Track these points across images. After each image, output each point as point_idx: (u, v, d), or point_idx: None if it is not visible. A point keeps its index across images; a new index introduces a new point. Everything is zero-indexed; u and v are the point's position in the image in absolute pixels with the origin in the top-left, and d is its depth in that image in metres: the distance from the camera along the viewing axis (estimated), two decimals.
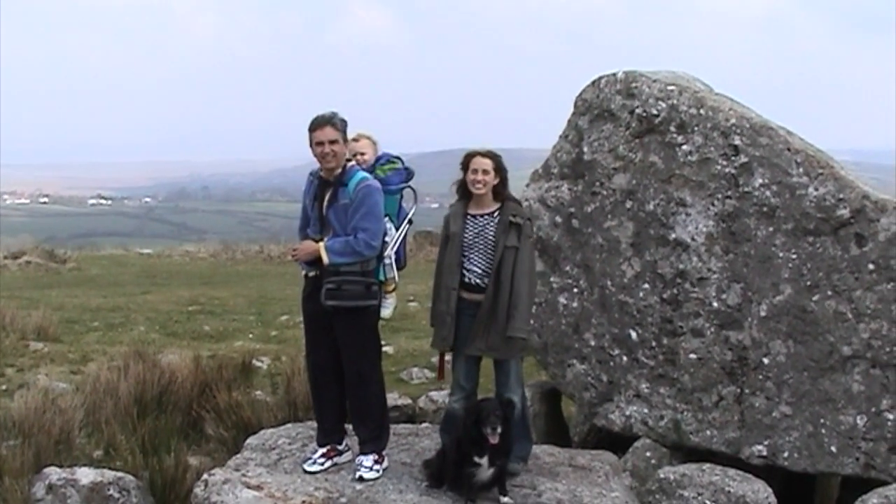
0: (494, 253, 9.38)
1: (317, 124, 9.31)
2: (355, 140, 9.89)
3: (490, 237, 9.44)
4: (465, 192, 9.67)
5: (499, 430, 8.74)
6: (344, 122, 9.39)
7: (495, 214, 9.51)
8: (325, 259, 9.26)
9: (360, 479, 9.42)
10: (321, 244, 9.32)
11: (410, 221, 10.12)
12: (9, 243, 41.86)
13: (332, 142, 9.26)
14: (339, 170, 9.42)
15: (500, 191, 9.58)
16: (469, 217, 9.58)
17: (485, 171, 9.48)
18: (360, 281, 9.34)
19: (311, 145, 9.38)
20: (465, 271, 9.51)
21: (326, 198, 9.46)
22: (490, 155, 9.56)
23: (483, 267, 9.45)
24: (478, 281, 9.46)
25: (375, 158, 10.06)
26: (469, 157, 9.60)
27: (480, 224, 9.51)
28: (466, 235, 9.53)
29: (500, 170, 9.53)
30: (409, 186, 10.16)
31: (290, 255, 10.00)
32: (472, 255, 9.50)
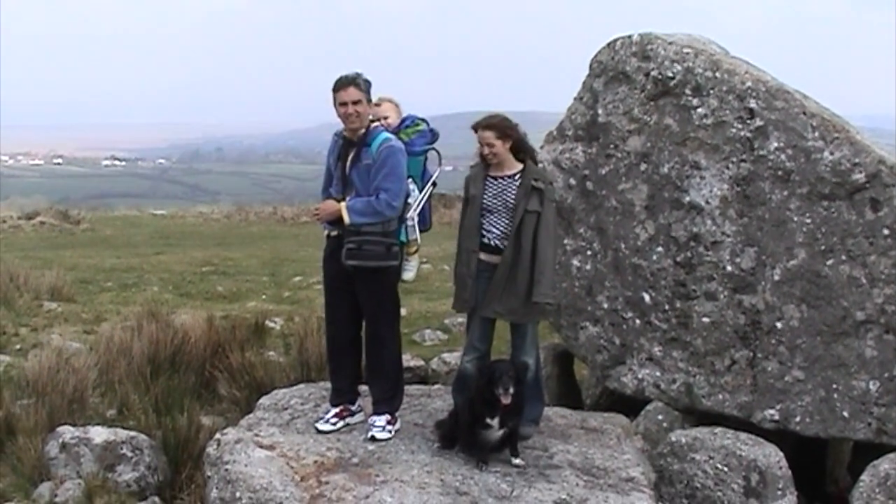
0: (514, 216, 9.36)
1: (340, 85, 9.33)
2: (377, 104, 9.88)
3: (510, 200, 9.41)
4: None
5: (511, 391, 8.75)
6: (368, 83, 9.40)
7: (516, 177, 9.47)
8: (346, 219, 9.26)
9: (373, 439, 9.47)
10: (342, 204, 9.33)
11: (434, 184, 10.12)
12: (23, 204, 41.98)
13: (356, 102, 9.27)
14: (363, 130, 9.43)
15: (518, 152, 9.54)
16: (489, 179, 9.55)
17: (489, 145, 9.43)
18: (381, 241, 9.35)
19: (334, 105, 9.39)
20: (484, 233, 9.50)
21: (350, 158, 9.49)
22: (489, 125, 9.46)
23: (502, 229, 9.43)
24: (497, 243, 9.45)
25: (400, 121, 10.06)
26: (475, 130, 9.57)
27: (501, 186, 9.48)
28: (486, 197, 9.50)
29: (505, 136, 9.46)
30: (434, 148, 10.17)
31: (311, 215, 10.01)
32: (491, 218, 9.48)
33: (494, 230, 9.47)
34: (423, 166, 10.03)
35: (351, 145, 9.48)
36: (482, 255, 9.50)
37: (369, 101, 9.45)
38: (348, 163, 9.47)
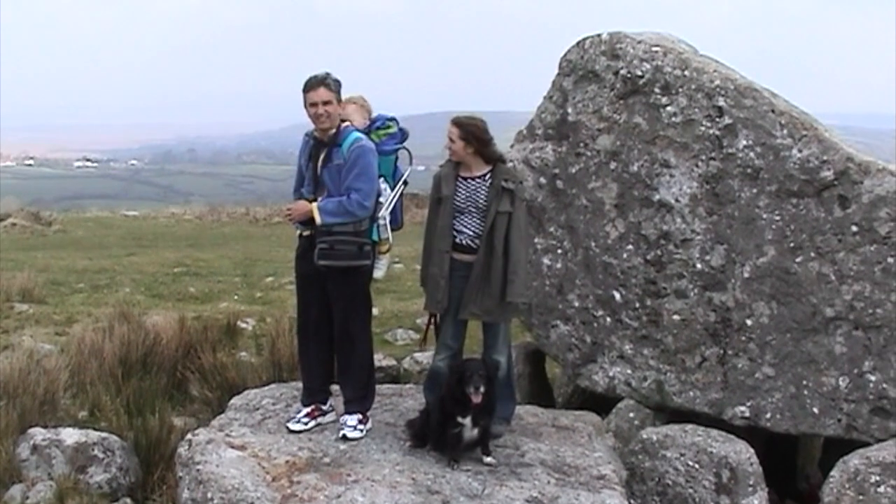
0: (486, 217, 9.38)
1: (310, 85, 9.31)
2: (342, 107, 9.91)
3: (482, 201, 9.42)
4: None
5: (482, 389, 8.76)
6: (338, 83, 9.39)
7: (487, 178, 9.49)
8: (318, 219, 9.25)
9: (344, 438, 9.46)
10: (314, 204, 9.32)
11: (405, 182, 10.17)
12: None
13: (326, 102, 9.26)
14: (334, 130, 9.41)
15: (485, 154, 9.55)
16: (460, 179, 9.57)
17: (450, 139, 9.47)
18: (353, 241, 9.35)
19: (304, 106, 9.37)
20: (455, 233, 9.51)
21: (321, 158, 9.47)
22: (457, 122, 9.50)
23: (474, 229, 9.44)
24: (469, 242, 9.46)
25: (371, 121, 10.08)
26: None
27: (472, 187, 9.49)
28: (458, 198, 9.50)
29: (471, 140, 9.46)
30: (405, 148, 10.21)
31: (283, 215, 9.95)
32: (463, 218, 9.49)
33: (466, 230, 9.48)
34: (394, 165, 10.09)
35: (321, 145, 9.47)
36: (455, 255, 9.51)
37: (339, 101, 9.45)
38: (319, 163, 9.46)
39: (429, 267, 9.70)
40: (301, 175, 9.78)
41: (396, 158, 10.19)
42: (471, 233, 9.45)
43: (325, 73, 9.39)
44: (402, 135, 10.16)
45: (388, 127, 10.07)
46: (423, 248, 9.82)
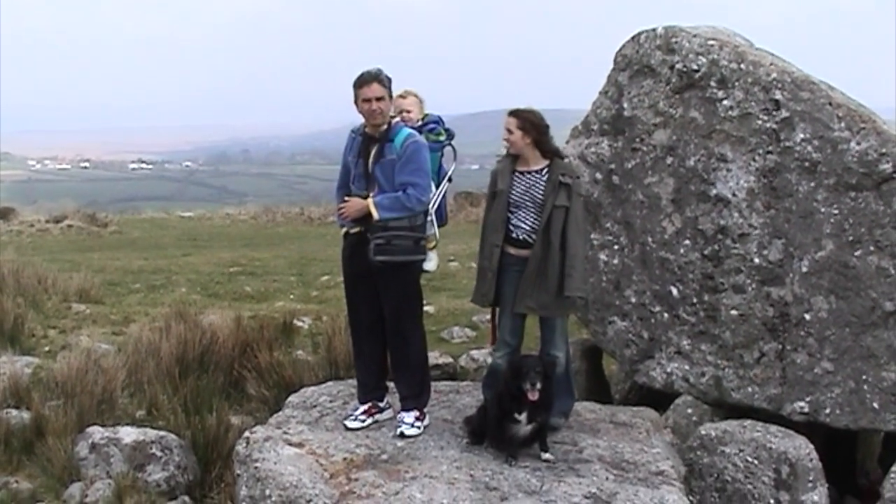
0: (543, 211, 9.35)
1: (363, 81, 9.33)
2: (402, 97, 9.95)
3: (538, 195, 9.41)
4: None
5: (538, 386, 8.75)
6: (389, 79, 9.43)
7: (543, 172, 9.48)
8: (376, 215, 9.26)
9: (402, 435, 9.48)
10: (370, 200, 9.32)
11: (450, 179, 10.21)
12: (50, 207, 42.13)
13: (379, 99, 9.29)
14: (385, 126, 9.43)
15: (544, 148, 9.53)
16: (517, 174, 9.55)
17: (508, 131, 9.46)
18: (409, 236, 9.39)
19: (356, 102, 9.40)
20: (511, 227, 9.50)
21: (372, 154, 9.47)
22: (515, 113, 9.52)
23: (531, 224, 9.44)
24: (526, 237, 9.46)
25: (423, 123, 10.12)
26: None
27: (528, 181, 9.48)
28: (514, 192, 9.50)
29: (529, 129, 9.46)
30: (450, 145, 10.23)
31: (337, 213, 9.90)
32: (519, 213, 9.48)
33: (523, 225, 9.47)
34: (439, 162, 10.11)
35: (372, 141, 9.48)
36: (511, 250, 9.51)
37: (391, 97, 9.47)
38: (371, 159, 9.47)
39: (479, 260, 9.70)
40: (346, 172, 9.79)
41: (441, 156, 10.21)
42: (527, 227, 9.43)
43: (377, 69, 9.40)
44: (449, 134, 10.22)
45: (438, 134, 10.14)
46: (480, 242, 9.82)
